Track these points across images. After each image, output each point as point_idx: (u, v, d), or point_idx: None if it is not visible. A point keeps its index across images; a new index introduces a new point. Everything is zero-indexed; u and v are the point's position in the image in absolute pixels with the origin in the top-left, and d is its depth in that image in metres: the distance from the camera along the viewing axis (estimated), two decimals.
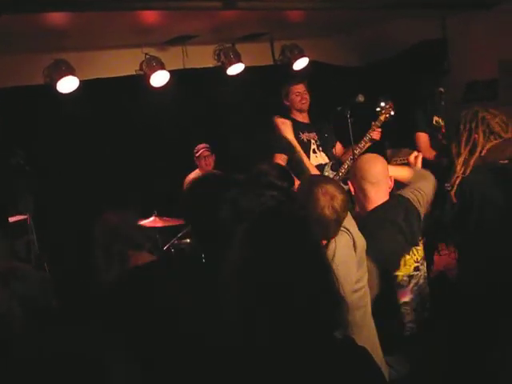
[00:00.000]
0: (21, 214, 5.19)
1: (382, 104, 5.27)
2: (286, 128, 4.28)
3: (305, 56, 7.05)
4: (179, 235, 5.52)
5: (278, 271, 1.71)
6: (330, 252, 2.73)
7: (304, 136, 5.39)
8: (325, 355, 1.69)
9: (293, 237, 1.80)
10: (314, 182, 2.90)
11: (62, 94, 5.70)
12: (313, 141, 5.43)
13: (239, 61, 6.59)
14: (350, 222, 2.89)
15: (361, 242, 2.90)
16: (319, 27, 6.94)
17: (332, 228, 2.78)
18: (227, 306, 1.77)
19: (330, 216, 2.73)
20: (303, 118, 5.48)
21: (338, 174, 5.26)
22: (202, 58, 6.67)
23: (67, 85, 5.70)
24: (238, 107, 6.71)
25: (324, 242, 2.77)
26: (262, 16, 5.86)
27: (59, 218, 5.44)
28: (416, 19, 7.10)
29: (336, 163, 5.42)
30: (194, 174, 6.24)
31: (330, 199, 2.73)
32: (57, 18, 4.73)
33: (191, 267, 2.83)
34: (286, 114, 5.34)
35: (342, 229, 2.83)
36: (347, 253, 2.79)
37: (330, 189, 2.76)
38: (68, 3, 4.28)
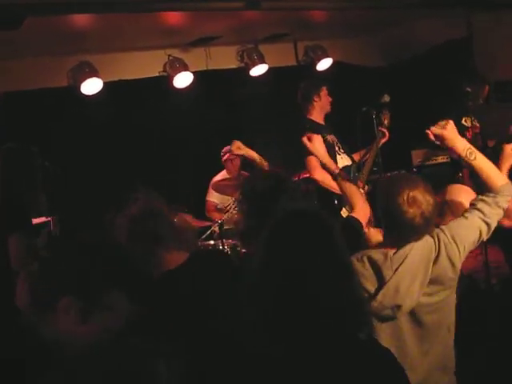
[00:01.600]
0: (44, 215, 5.21)
1: (386, 98, 5.36)
2: (318, 147, 3.56)
3: (328, 56, 7.02)
4: (203, 237, 5.51)
5: (299, 272, 1.71)
6: (400, 256, 2.58)
7: (329, 137, 5.38)
8: (347, 356, 1.69)
9: (314, 238, 1.79)
10: (396, 190, 2.56)
11: (85, 95, 5.74)
12: (335, 142, 5.43)
13: (263, 61, 6.58)
14: (451, 226, 2.67)
15: (451, 252, 2.60)
16: (342, 27, 6.90)
17: (420, 231, 2.58)
18: (249, 307, 1.77)
19: (421, 223, 2.52)
20: (321, 119, 5.45)
21: (360, 176, 5.30)
22: (224, 59, 6.68)
23: (91, 86, 5.74)
24: (262, 108, 6.69)
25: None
26: (285, 16, 5.84)
27: (83, 219, 5.46)
28: (441, 18, 7.01)
29: (358, 164, 5.45)
30: (220, 176, 6.25)
31: (417, 208, 2.50)
32: (81, 19, 4.76)
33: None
34: (303, 116, 5.36)
35: (433, 233, 2.63)
36: (417, 263, 2.56)
37: (418, 196, 2.50)
38: (92, 5, 4.31)
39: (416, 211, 2.49)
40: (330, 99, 5.41)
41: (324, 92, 5.40)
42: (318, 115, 5.43)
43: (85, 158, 5.81)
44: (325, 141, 5.11)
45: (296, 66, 7.19)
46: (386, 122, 5.41)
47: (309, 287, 1.69)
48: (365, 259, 2.59)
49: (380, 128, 5.41)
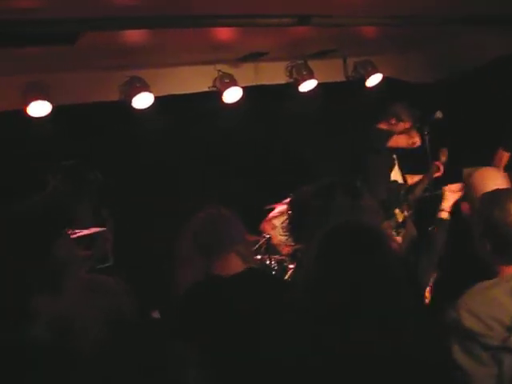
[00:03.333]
0: (97, 226, 5.28)
1: (439, 115, 5.42)
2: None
3: (378, 72, 6.98)
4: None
5: (353, 286, 1.69)
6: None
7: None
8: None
9: (368, 252, 1.78)
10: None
11: (137, 109, 5.83)
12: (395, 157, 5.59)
13: (312, 77, 6.58)
14: None
15: None
16: (392, 43, 6.86)
17: None
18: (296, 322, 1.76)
19: None
20: None
21: (407, 200, 5.41)
22: (274, 74, 6.71)
23: (142, 101, 5.82)
24: (310, 123, 6.71)
25: None
26: (335, 32, 5.83)
27: (133, 232, 5.53)
28: (492, 32, 6.91)
29: (409, 188, 5.58)
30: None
31: None
32: (133, 35, 4.84)
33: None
34: (373, 123, 5.46)
35: None
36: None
37: None
38: (145, 20, 4.39)
39: None
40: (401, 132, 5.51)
41: (404, 125, 5.52)
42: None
43: (136, 171, 5.90)
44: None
45: (345, 81, 7.17)
46: (443, 158, 5.56)
47: (362, 301, 1.68)
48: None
49: (436, 162, 5.52)
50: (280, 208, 6.23)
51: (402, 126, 5.57)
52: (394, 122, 5.58)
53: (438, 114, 5.51)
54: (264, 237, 5.44)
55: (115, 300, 2.40)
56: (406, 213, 5.52)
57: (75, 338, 2.22)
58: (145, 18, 4.34)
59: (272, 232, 5.64)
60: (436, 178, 5.70)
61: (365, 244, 1.82)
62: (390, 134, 5.52)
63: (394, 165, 5.57)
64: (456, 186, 3.39)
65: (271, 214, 6.16)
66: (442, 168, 5.67)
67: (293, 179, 6.14)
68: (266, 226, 5.96)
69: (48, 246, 2.53)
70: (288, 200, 5.42)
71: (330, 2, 4.83)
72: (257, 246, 5.42)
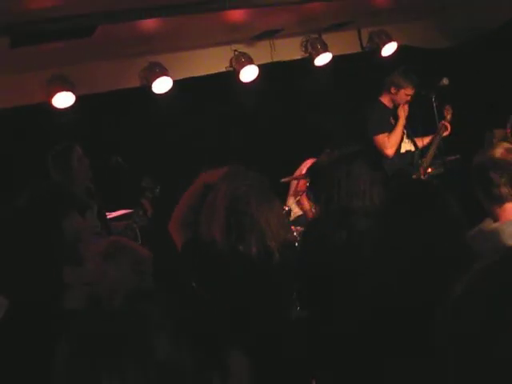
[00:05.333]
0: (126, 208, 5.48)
1: (445, 81, 5.46)
2: None
3: (393, 41, 6.99)
4: None
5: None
6: None
7: (393, 121, 5.54)
8: None
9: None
10: None
11: (158, 94, 5.97)
12: None
13: (326, 50, 6.63)
14: None
15: None
16: (406, 11, 6.86)
17: None
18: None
19: None
20: (390, 105, 5.63)
21: (423, 163, 5.48)
22: (289, 50, 6.77)
23: (162, 85, 5.96)
24: (329, 96, 6.79)
25: None
26: (347, 5, 5.88)
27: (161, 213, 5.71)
28: None
29: (421, 151, 5.63)
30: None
31: None
32: (149, 24, 4.95)
33: None
34: (375, 96, 5.52)
35: None
36: None
37: None
38: (159, 10, 4.51)
39: None
40: (407, 100, 5.53)
41: (407, 92, 5.54)
42: (388, 101, 5.62)
43: (159, 154, 6.07)
44: (390, 124, 5.36)
45: (361, 52, 7.21)
46: (448, 116, 5.62)
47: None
48: None
49: (443, 122, 5.57)
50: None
51: (403, 92, 5.59)
52: (394, 90, 5.62)
53: (445, 81, 5.56)
54: (284, 209, 5.58)
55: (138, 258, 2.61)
56: (423, 176, 5.62)
57: (106, 301, 2.42)
58: (157, 8, 4.46)
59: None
60: (445, 136, 5.75)
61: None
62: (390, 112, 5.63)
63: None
64: None
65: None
66: (449, 126, 5.72)
67: (311, 155, 6.32)
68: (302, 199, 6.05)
69: (60, 223, 2.74)
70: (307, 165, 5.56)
71: None
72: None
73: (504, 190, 2.69)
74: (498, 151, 2.76)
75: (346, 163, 3.01)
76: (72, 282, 2.68)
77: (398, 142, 5.50)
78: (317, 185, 3.04)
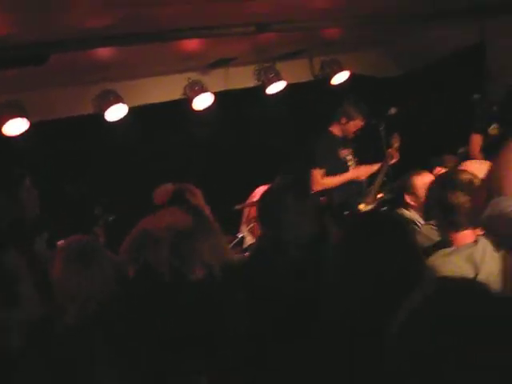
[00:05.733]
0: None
1: (393, 111, 5.65)
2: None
3: (344, 70, 7.12)
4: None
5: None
6: None
7: (342, 153, 5.68)
8: None
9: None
10: None
11: (111, 122, 5.98)
12: (349, 157, 5.76)
13: (279, 79, 6.73)
14: None
15: None
16: (356, 41, 7.04)
17: None
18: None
19: None
20: (340, 135, 5.78)
21: (370, 192, 5.65)
22: (243, 78, 6.85)
23: (115, 113, 5.97)
24: (282, 124, 6.89)
25: None
26: (299, 35, 5.99)
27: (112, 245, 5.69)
28: (453, 26, 7.09)
29: (369, 180, 5.80)
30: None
31: None
32: (103, 52, 4.98)
33: None
34: (325, 127, 5.64)
35: None
36: None
37: None
38: (113, 39, 4.55)
39: None
40: (355, 130, 5.69)
41: (356, 124, 5.70)
42: (338, 131, 5.76)
43: (113, 181, 6.06)
44: (337, 156, 5.52)
45: (313, 81, 7.33)
46: (396, 144, 5.81)
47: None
48: None
49: (390, 150, 5.74)
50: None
51: (353, 124, 5.77)
52: (344, 121, 5.78)
53: (393, 110, 5.77)
54: (237, 237, 5.62)
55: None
56: (373, 203, 5.77)
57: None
58: (112, 37, 4.50)
59: None
60: (392, 164, 5.92)
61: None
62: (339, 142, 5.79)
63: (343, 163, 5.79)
64: None
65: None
66: (396, 154, 5.89)
67: (265, 181, 6.38)
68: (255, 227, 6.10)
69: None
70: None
71: (289, 8, 4.99)
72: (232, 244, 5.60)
73: (462, 216, 2.77)
74: (460, 173, 2.90)
75: (278, 194, 3.07)
76: (9, 326, 2.63)
77: (330, 186, 5.67)
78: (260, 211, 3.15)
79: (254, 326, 2.56)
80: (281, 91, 6.79)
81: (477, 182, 2.86)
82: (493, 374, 1.12)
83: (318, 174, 5.69)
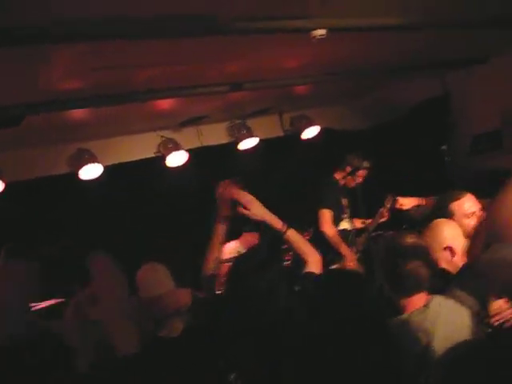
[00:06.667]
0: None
1: (366, 165, 5.88)
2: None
3: (313, 125, 7.29)
4: None
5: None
6: None
7: (343, 201, 5.91)
8: None
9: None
10: None
11: (85, 180, 6.02)
12: (346, 206, 5.98)
13: (251, 135, 6.87)
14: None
15: None
16: (325, 96, 7.21)
17: None
18: None
19: None
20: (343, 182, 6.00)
21: (355, 244, 5.79)
22: (216, 135, 6.99)
23: (90, 172, 6.03)
24: (255, 179, 6.97)
25: None
26: (269, 93, 6.14)
27: None
28: (417, 79, 7.31)
29: (357, 232, 5.97)
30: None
31: None
32: (77, 113, 5.06)
33: None
34: (330, 174, 5.81)
35: None
36: None
37: None
38: (86, 101, 4.63)
39: None
40: (358, 180, 5.87)
41: (361, 174, 5.90)
42: (341, 179, 5.98)
43: (89, 240, 6.05)
44: (340, 203, 5.70)
45: (283, 136, 7.48)
46: (388, 205, 5.94)
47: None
48: None
49: (382, 209, 5.91)
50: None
51: (357, 174, 5.96)
52: (349, 170, 5.95)
53: (365, 164, 5.95)
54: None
55: None
56: (356, 253, 5.92)
57: None
58: (86, 99, 4.58)
59: None
60: (381, 223, 6.09)
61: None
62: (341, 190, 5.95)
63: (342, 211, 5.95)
64: None
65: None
66: (386, 214, 6.04)
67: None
68: None
69: None
70: None
71: (263, 68, 5.16)
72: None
73: (411, 281, 2.74)
74: (408, 237, 2.85)
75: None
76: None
77: (328, 237, 5.79)
78: None
79: None
80: (255, 146, 6.94)
81: (422, 244, 2.86)
82: None
83: (327, 213, 5.83)
